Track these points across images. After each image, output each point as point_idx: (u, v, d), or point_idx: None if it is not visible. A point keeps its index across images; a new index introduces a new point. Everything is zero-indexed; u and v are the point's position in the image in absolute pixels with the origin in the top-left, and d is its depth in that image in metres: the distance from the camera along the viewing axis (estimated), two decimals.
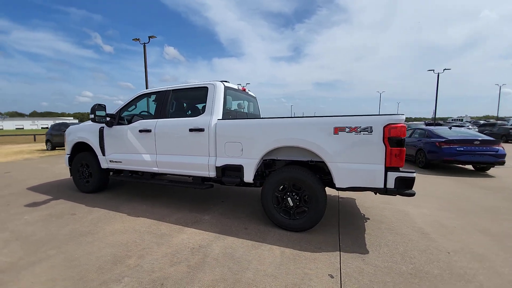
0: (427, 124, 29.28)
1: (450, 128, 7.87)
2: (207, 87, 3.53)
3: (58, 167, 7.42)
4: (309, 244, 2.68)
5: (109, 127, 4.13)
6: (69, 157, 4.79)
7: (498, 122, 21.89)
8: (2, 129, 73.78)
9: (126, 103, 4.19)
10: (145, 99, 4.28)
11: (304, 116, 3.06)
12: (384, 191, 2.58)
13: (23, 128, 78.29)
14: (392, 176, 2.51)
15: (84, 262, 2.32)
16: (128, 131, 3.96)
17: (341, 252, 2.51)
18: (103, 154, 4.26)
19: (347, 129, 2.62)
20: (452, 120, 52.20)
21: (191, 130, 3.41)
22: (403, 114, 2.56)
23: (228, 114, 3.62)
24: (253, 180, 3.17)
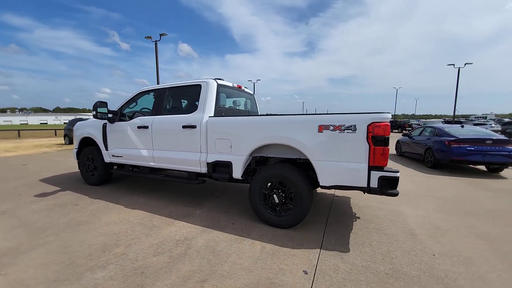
0: (445, 122, 27.91)
1: (462, 126, 7.48)
2: (200, 85, 3.61)
3: (71, 160, 7.85)
4: (291, 241, 2.71)
5: (111, 123, 4.34)
6: (76, 151, 5.08)
7: None
8: (27, 123, 78.58)
9: (127, 100, 4.37)
10: (145, 96, 4.43)
11: (290, 114, 3.06)
12: (368, 190, 2.55)
13: (46, 123, 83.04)
14: (376, 175, 2.47)
15: (77, 249, 2.50)
16: (128, 127, 4.14)
17: (321, 250, 2.53)
18: (106, 149, 4.48)
19: (331, 127, 2.60)
20: (475, 117, 49.34)
21: (184, 126, 3.51)
22: (389, 112, 2.51)
23: (221, 111, 3.69)
24: (242, 176, 3.24)
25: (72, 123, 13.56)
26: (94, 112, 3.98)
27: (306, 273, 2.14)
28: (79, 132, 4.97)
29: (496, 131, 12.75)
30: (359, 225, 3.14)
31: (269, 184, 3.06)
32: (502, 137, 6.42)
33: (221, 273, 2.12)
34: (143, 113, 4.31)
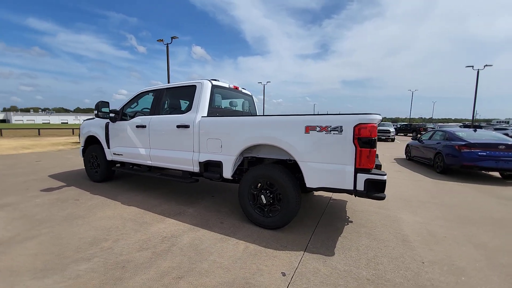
0: (464, 126, 26.59)
1: (475, 130, 7.12)
2: (195, 86, 3.67)
3: (81, 158, 8.19)
4: (276, 242, 2.68)
5: (113, 122, 4.50)
6: (82, 149, 5.31)
7: None
8: (49, 123, 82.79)
9: (128, 101, 4.52)
10: (145, 97, 4.57)
11: (278, 114, 3.05)
12: (354, 193, 2.48)
13: (67, 123, 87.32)
14: (362, 178, 2.41)
15: (67, 242, 2.60)
16: (128, 126, 4.28)
17: (305, 252, 2.48)
18: (108, 147, 4.65)
19: (318, 128, 2.57)
20: (497, 122, 46.72)
21: (178, 126, 3.59)
22: (379, 114, 2.45)
23: (215, 111, 3.73)
24: (233, 176, 3.25)
25: None
26: (96, 112, 4.15)
27: (284, 274, 2.11)
28: (85, 130, 5.19)
29: None
30: (350, 229, 3.06)
31: (258, 184, 3.06)
32: None
33: (199, 271, 2.13)
34: (144, 113, 4.44)
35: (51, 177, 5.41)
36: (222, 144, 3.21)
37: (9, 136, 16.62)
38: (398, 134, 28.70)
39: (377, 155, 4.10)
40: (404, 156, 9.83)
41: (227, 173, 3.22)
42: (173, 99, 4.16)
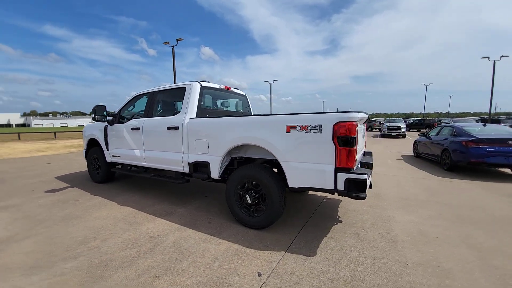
0: (482, 120, 25.32)
1: (484, 125, 6.78)
2: (185, 87, 3.73)
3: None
4: (260, 242, 2.69)
5: (111, 125, 4.65)
6: (85, 151, 5.52)
7: None
8: (67, 126, 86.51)
9: (125, 104, 4.66)
10: (141, 99, 4.68)
11: (260, 114, 3.04)
12: (336, 192, 2.45)
13: (83, 126, 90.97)
14: (342, 177, 2.36)
15: (60, 241, 2.73)
16: (124, 129, 4.41)
17: (286, 252, 2.48)
18: (107, 149, 4.81)
19: (298, 128, 2.54)
20: None
21: (168, 128, 3.66)
22: (364, 112, 2.41)
23: (204, 112, 3.77)
24: (221, 176, 3.28)
25: None
26: (93, 115, 4.31)
27: (260, 275, 2.12)
28: (87, 133, 5.39)
29: None
30: (338, 229, 3.01)
31: (244, 184, 3.07)
32: None
33: (176, 270, 2.18)
34: (140, 115, 4.56)
35: (57, 179, 5.67)
36: (209, 144, 3.25)
37: (26, 139, 17.52)
38: (411, 130, 27.76)
39: (371, 153, 4.00)
40: (412, 153, 9.53)
41: (215, 173, 3.25)
42: (165, 101, 4.24)
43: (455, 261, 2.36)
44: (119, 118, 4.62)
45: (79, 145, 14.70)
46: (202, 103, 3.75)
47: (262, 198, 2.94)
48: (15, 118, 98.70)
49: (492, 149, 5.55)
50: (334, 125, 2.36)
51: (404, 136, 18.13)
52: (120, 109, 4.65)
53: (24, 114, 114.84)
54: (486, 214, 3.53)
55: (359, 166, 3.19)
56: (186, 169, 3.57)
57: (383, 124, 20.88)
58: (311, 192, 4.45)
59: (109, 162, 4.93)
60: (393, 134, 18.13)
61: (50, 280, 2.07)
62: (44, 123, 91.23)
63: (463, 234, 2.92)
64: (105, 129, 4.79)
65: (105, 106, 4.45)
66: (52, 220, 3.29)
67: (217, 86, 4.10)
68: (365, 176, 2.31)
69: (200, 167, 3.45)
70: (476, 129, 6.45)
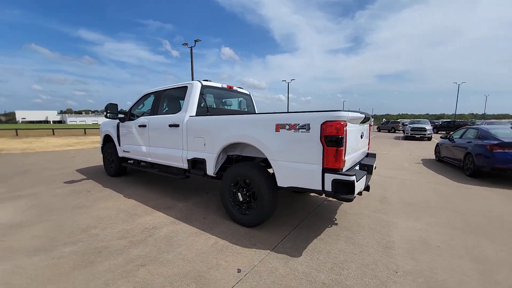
0: None
1: None
2: (186, 86, 3.85)
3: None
4: (248, 240, 2.70)
5: (122, 122, 4.94)
6: (101, 147, 5.91)
7: None
8: (97, 123, 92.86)
9: (135, 102, 4.91)
10: (149, 98, 4.90)
11: (253, 113, 3.04)
12: (323, 193, 2.39)
13: None
14: (329, 178, 2.30)
15: (66, 228, 2.96)
16: (133, 126, 4.66)
17: (271, 251, 2.46)
18: (119, 145, 5.11)
19: (287, 127, 2.52)
20: None
21: (170, 125, 3.80)
22: (358, 111, 2.32)
23: (204, 111, 3.86)
24: (215, 173, 3.34)
25: None
26: (105, 113, 4.59)
27: (239, 271, 2.14)
28: (103, 130, 5.77)
29: None
30: (331, 232, 2.93)
31: (237, 182, 3.10)
32: None
33: (161, 261, 2.27)
34: (148, 113, 4.78)
35: (78, 171, 6.13)
36: (206, 142, 3.33)
37: (60, 135, 19.09)
38: (439, 132, 25.92)
39: (374, 154, 3.83)
40: (434, 157, 8.93)
41: (210, 170, 3.32)
42: (170, 100, 4.40)
43: (452, 272, 2.19)
44: (129, 115, 4.88)
45: None
46: (202, 101, 3.84)
47: (253, 197, 2.95)
48: (52, 116, 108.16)
49: None
50: (322, 124, 2.30)
51: (429, 139, 16.98)
52: (131, 107, 4.91)
53: (61, 112, 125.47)
54: (502, 225, 3.22)
55: (357, 168, 3.08)
56: (185, 165, 3.68)
57: (406, 125, 19.74)
58: (312, 193, 4.36)
59: (121, 157, 5.23)
60: (417, 136, 17.07)
61: (48, 261, 2.26)
62: (78, 120, 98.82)
63: (470, 244, 2.69)
64: (118, 126, 5.09)
65: (117, 105, 4.73)
66: (63, 209, 3.57)
67: (219, 85, 4.18)
68: (353, 178, 2.23)
69: (198, 164, 3.54)
70: (505, 132, 5.88)
